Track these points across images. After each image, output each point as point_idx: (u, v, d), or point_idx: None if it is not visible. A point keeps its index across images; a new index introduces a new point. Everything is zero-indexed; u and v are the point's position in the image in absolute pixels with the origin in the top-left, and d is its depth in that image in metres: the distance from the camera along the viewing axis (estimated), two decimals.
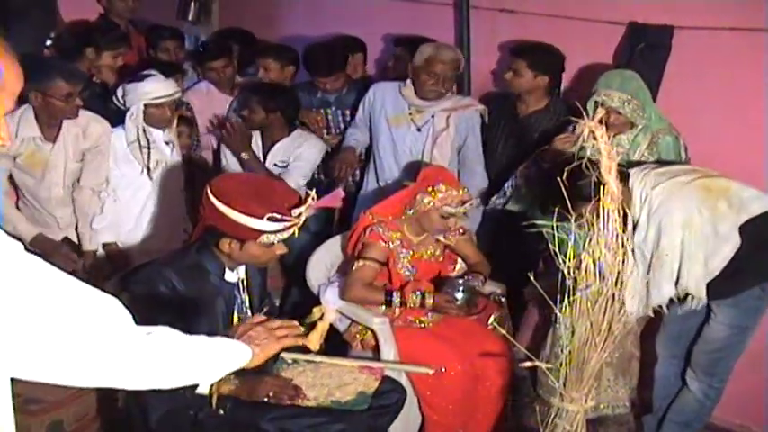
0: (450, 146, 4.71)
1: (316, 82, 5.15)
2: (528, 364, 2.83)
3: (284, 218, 3.00)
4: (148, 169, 4.36)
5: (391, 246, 3.96)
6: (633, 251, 3.30)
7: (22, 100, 3.90)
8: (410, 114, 4.74)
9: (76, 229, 4.33)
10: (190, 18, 6.72)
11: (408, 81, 4.72)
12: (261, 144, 4.86)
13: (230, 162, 4.79)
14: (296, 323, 2.55)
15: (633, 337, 4.33)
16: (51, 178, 4.20)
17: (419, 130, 4.72)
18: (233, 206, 3.01)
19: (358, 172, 5.07)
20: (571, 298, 2.74)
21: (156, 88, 4.31)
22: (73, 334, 1.68)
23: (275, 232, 3.03)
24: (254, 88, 5.00)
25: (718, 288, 3.63)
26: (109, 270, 4.29)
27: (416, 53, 4.66)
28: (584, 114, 2.73)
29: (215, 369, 2.16)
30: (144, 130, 4.33)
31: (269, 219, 2.99)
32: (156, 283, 3.08)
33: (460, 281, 3.98)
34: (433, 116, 4.70)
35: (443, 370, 3.77)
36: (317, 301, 4.13)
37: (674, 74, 4.41)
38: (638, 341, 4.37)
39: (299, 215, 3.03)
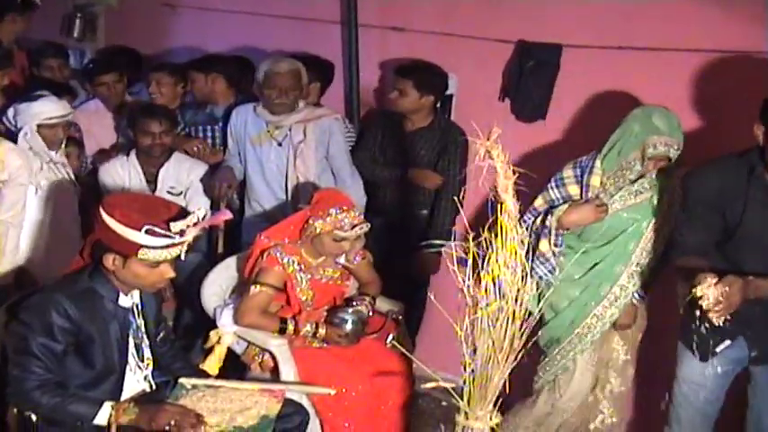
0: (314, 157, 4.75)
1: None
2: (431, 384, 2.83)
3: (163, 232, 2.97)
4: (35, 189, 4.29)
5: (289, 270, 3.94)
6: None
7: None
8: (269, 132, 4.77)
9: None
10: (75, 35, 6.64)
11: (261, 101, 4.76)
12: (142, 171, 4.82)
13: (109, 187, 4.77)
14: None
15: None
16: None
17: (280, 144, 4.76)
18: (114, 216, 3.01)
19: (236, 195, 5.01)
20: (472, 317, 2.76)
21: (50, 109, 4.30)
22: None
23: (154, 248, 3.00)
24: (139, 108, 4.98)
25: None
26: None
27: (258, 71, 4.71)
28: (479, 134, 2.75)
29: None
30: (35, 152, 4.27)
31: (146, 231, 2.96)
32: (49, 309, 3.03)
33: (350, 310, 3.99)
34: (290, 129, 4.74)
35: (344, 391, 3.76)
36: (212, 323, 4.09)
37: (563, 91, 4.50)
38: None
39: (182, 232, 3.00)
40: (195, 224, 3.04)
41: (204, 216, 3.08)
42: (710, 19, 3.98)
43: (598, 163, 3.77)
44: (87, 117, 5.27)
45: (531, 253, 3.73)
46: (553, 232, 3.80)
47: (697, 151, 3.68)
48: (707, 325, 3.20)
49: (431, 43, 4.91)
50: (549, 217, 3.81)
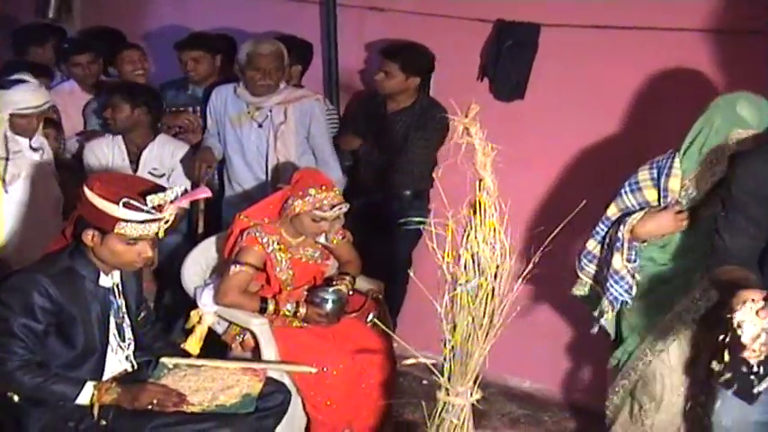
0: (294, 139, 4.77)
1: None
2: (411, 361, 2.87)
3: (140, 206, 2.98)
4: (3, 182, 4.17)
5: (269, 249, 3.95)
6: None
7: None
8: (249, 112, 4.78)
9: None
10: (50, 15, 6.53)
11: (241, 81, 4.77)
12: (126, 151, 4.81)
13: (92, 166, 4.76)
14: None
15: None
16: None
17: (260, 126, 4.77)
18: (94, 190, 3.03)
19: (215, 175, 5.02)
20: (451, 294, 2.80)
21: (25, 99, 4.17)
22: None
23: (131, 222, 3.01)
24: (115, 86, 4.98)
25: None
26: None
27: (239, 53, 4.70)
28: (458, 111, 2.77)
29: None
30: (7, 140, 4.18)
31: (124, 205, 2.98)
32: (30, 289, 3.04)
33: (330, 290, 4.01)
34: (270, 110, 4.75)
35: (325, 369, 3.79)
36: (192, 304, 4.11)
37: (541, 72, 4.52)
38: None
39: (159, 207, 3.02)
40: (173, 201, 3.04)
41: (183, 192, 3.09)
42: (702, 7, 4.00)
43: (677, 163, 3.26)
44: (62, 98, 5.23)
45: (606, 269, 3.38)
46: (626, 245, 3.30)
47: (677, 136, 3.68)
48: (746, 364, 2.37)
49: (410, 23, 4.92)
50: (621, 227, 3.32)
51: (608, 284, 3.34)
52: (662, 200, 3.28)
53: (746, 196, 2.75)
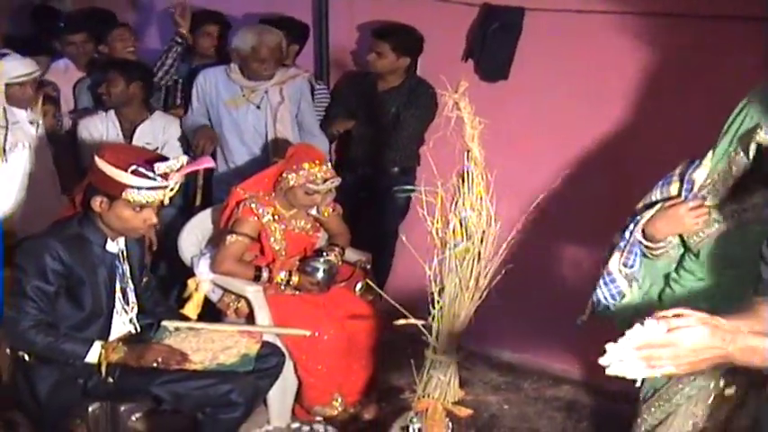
0: (290, 117, 4.91)
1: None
2: (402, 321, 3.05)
3: (147, 173, 3.15)
4: (3, 151, 4.31)
5: (264, 220, 4.12)
6: None
7: None
8: (244, 95, 4.87)
9: None
10: None
11: (234, 65, 4.85)
12: (120, 128, 4.90)
13: (86, 142, 4.87)
14: None
15: None
16: None
17: (258, 107, 4.87)
18: (104, 158, 3.19)
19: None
20: (440, 257, 2.99)
21: (15, 67, 4.31)
22: None
23: (139, 188, 3.17)
24: (110, 62, 5.06)
25: None
26: None
27: (239, 42, 4.78)
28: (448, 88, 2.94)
29: None
30: (5, 111, 4.31)
31: (132, 172, 3.14)
32: (42, 253, 3.20)
33: (321, 260, 4.18)
34: (266, 92, 4.86)
35: (316, 334, 3.97)
36: (186, 275, 4.26)
37: (525, 54, 4.66)
38: None
39: (165, 175, 3.18)
40: (179, 170, 3.21)
41: (186, 162, 3.26)
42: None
43: (710, 154, 2.73)
44: (57, 76, 5.35)
45: (602, 267, 2.97)
46: (628, 246, 2.86)
47: (664, 124, 3.77)
48: None
49: (398, 5, 5.05)
50: (632, 225, 2.86)
51: (598, 283, 2.95)
52: (682, 193, 2.78)
53: None
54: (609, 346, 1.73)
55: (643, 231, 2.82)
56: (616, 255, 2.89)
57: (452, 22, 4.86)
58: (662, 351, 1.73)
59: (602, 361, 1.74)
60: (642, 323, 1.75)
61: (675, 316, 1.78)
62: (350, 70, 5.38)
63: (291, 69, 5.02)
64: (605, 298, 2.93)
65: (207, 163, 3.45)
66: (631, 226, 2.85)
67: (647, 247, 2.83)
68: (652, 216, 2.80)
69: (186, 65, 5.32)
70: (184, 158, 3.25)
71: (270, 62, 4.77)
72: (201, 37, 5.34)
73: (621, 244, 2.87)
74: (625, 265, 2.88)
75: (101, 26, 5.67)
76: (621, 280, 2.90)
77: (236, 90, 4.88)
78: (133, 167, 3.13)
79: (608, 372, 1.74)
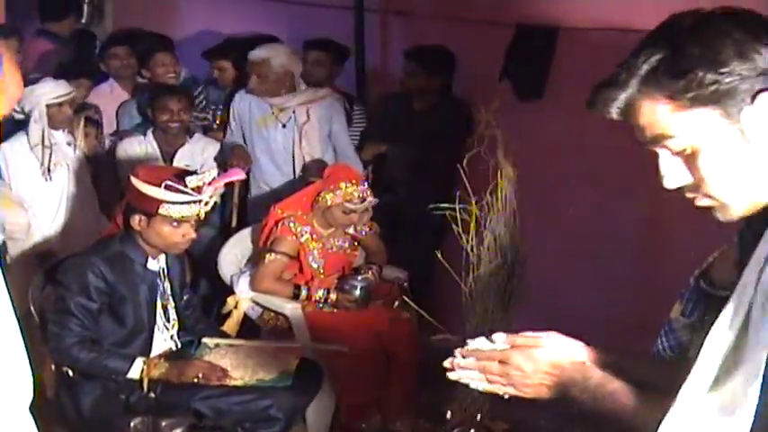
0: (318, 137, 4.95)
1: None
2: (439, 336, 3.09)
3: (180, 187, 3.23)
4: (48, 170, 4.43)
5: (302, 239, 4.18)
6: None
7: None
8: (273, 114, 4.94)
9: None
10: (83, 20, 6.69)
11: None
12: (159, 150, 4.93)
13: (124, 163, 4.88)
14: None
15: None
16: None
17: (284, 126, 4.94)
18: (138, 177, 3.30)
19: None
20: (475, 275, 3.03)
21: (54, 88, 4.42)
22: None
23: (174, 203, 3.25)
24: (158, 87, 5.12)
25: None
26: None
27: (251, 54, 4.86)
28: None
29: None
30: (45, 132, 4.40)
31: (166, 187, 3.23)
32: (86, 270, 3.28)
33: (359, 278, 4.23)
34: (294, 111, 4.92)
35: (354, 351, 3.99)
36: (227, 294, 4.32)
37: (562, 72, 4.70)
38: None
39: (198, 189, 3.26)
40: (210, 182, 3.29)
41: (218, 174, 3.35)
42: (716, 2, 4.11)
43: None
44: (102, 98, 5.38)
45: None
46: (687, 293, 2.60)
47: None
48: None
49: (433, 27, 5.12)
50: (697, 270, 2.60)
51: (661, 331, 2.69)
52: None
53: None
54: (456, 351, 1.74)
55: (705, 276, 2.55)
56: (678, 302, 2.64)
57: (488, 43, 4.91)
58: (493, 366, 1.70)
59: (445, 364, 1.73)
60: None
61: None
62: (388, 91, 5.44)
63: (321, 90, 5.08)
64: (663, 349, 2.67)
65: (237, 175, 3.53)
66: (697, 271, 2.58)
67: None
68: (715, 257, 2.53)
69: (217, 91, 5.41)
70: (215, 171, 3.33)
71: (268, 82, 4.83)
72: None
73: (683, 290, 2.62)
74: (683, 315, 2.61)
75: (143, 46, 5.75)
76: (680, 331, 2.62)
77: (267, 109, 4.96)
78: (166, 183, 3.22)
79: (449, 376, 1.74)
